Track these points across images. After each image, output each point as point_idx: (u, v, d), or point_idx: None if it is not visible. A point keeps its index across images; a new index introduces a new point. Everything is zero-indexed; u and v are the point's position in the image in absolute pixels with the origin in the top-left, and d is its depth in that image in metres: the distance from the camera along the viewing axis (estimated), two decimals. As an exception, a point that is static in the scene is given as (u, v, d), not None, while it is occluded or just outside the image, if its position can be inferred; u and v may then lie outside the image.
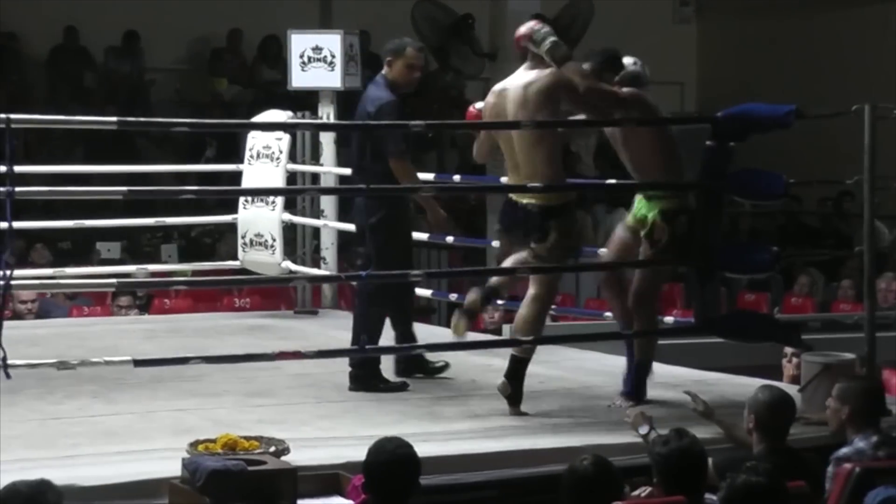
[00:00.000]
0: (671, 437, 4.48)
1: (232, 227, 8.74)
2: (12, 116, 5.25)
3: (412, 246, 6.59)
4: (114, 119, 5.67)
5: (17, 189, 5.18)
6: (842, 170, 6.44)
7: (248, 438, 4.95)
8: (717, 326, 6.22)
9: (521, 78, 6.05)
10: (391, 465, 4.24)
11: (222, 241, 10.37)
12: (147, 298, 9.32)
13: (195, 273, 8.57)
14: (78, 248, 10.46)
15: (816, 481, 4.79)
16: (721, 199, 6.22)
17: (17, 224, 5.24)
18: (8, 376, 5.33)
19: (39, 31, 13.46)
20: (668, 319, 6.89)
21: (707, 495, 4.41)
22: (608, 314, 6.99)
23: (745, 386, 6.41)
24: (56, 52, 13.44)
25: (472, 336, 8.21)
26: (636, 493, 4.59)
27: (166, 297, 9.46)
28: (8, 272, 5.05)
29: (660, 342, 6.88)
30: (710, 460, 4.57)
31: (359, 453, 4.40)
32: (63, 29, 13.57)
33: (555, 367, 6.86)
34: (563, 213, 5.93)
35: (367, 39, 13.22)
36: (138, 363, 5.63)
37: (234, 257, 8.64)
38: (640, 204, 6.22)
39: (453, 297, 8.37)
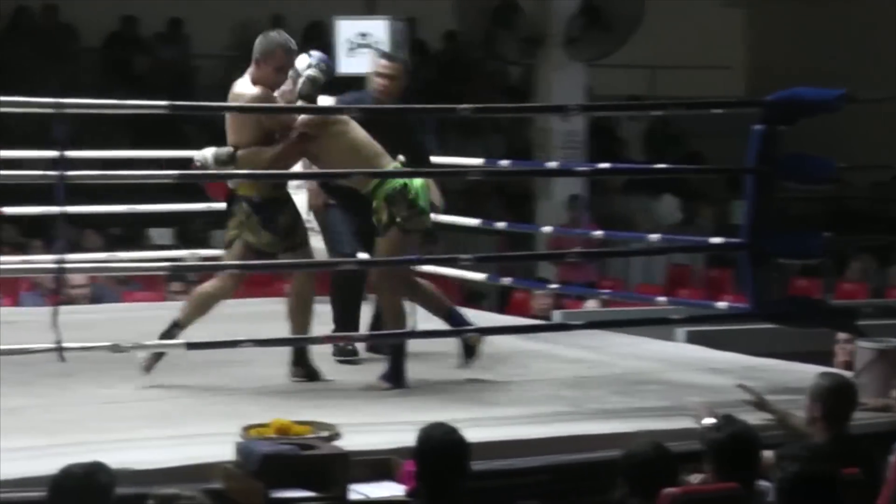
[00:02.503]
0: (723, 423, 4.47)
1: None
2: (63, 101, 5.30)
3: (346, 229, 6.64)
4: (164, 103, 5.71)
5: (69, 173, 5.21)
6: (893, 154, 6.39)
7: (300, 423, 4.97)
8: (770, 312, 6.18)
9: (238, 84, 6.13)
10: (441, 450, 4.26)
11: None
12: (199, 283, 9.35)
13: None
14: (129, 234, 10.52)
15: (874, 470, 4.75)
16: (771, 184, 6.18)
17: (69, 208, 5.28)
18: (62, 359, 5.41)
19: (93, 19, 13.59)
20: (721, 305, 6.86)
21: (760, 482, 4.39)
22: (661, 299, 6.98)
23: (797, 372, 6.39)
24: (111, 39, 13.58)
25: (520, 321, 8.21)
26: (689, 479, 4.58)
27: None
28: (61, 255, 5.09)
29: (711, 328, 6.85)
30: (773, 452, 4.54)
31: (410, 438, 4.41)
32: (119, 18, 13.70)
33: (604, 352, 6.85)
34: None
35: (413, 26, 13.23)
36: (191, 346, 5.67)
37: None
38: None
39: (507, 280, 8.37)
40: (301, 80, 6.05)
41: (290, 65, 6.07)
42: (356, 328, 6.68)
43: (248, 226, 6.07)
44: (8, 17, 14.03)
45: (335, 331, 6.64)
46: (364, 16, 9.73)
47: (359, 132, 6.08)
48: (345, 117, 6.07)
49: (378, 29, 8.55)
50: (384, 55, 6.86)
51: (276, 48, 6.06)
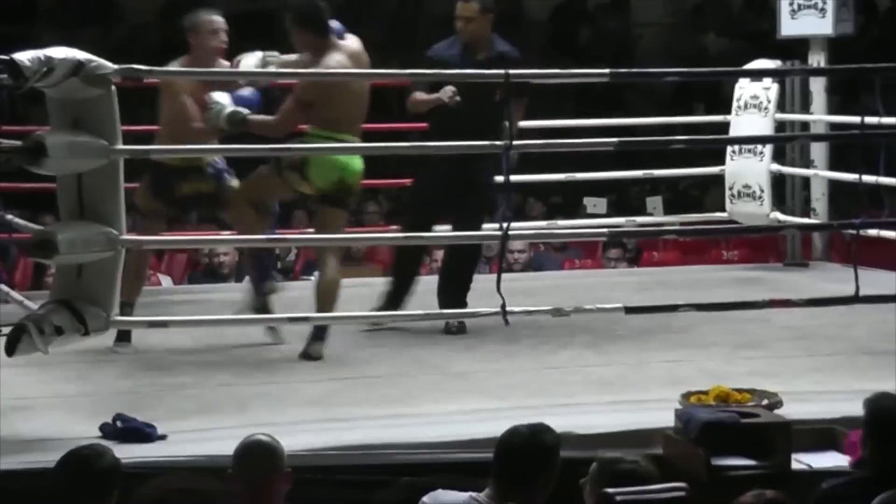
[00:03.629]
0: None
1: (719, 178, 8.70)
2: (513, 72, 5.41)
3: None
4: (606, 71, 5.78)
5: (514, 143, 5.37)
6: None
7: (739, 391, 4.94)
8: None
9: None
10: (888, 421, 4.10)
11: (709, 193, 10.34)
12: (636, 251, 9.44)
13: (682, 224, 8.61)
14: (567, 203, 10.71)
15: None
16: None
17: (512, 177, 5.45)
18: (507, 323, 5.56)
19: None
20: None
21: None
22: None
23: None
24: (557, 12, 13.94)
25: None
26: None
27: (655, 249, 9.55)
28: (506, 224, 5.26)
29: None
30: None
31: (855, 408, 4.28)
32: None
33: None
34: None
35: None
36: (629, 310, 5.68)
37: (722, 209, 8.60)
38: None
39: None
40: (216, 113, 6.03)
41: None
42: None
43: None
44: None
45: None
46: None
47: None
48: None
49: (822, -11, 8.30)
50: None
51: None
